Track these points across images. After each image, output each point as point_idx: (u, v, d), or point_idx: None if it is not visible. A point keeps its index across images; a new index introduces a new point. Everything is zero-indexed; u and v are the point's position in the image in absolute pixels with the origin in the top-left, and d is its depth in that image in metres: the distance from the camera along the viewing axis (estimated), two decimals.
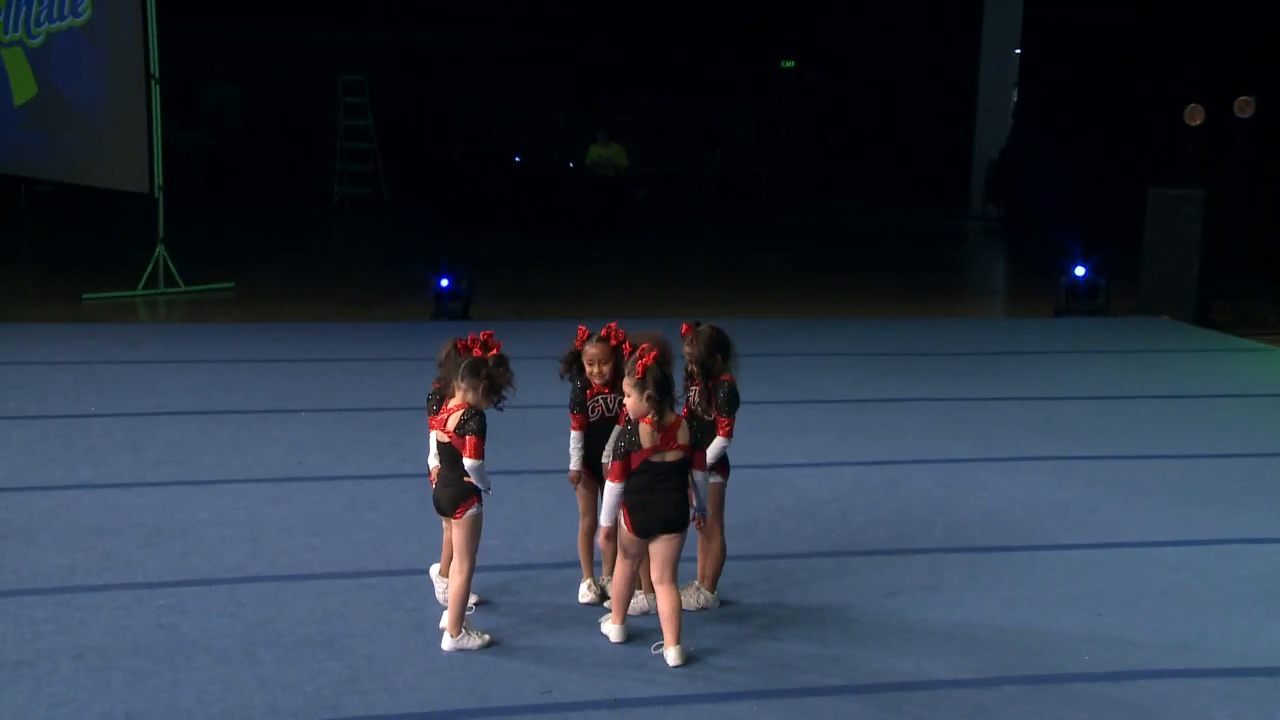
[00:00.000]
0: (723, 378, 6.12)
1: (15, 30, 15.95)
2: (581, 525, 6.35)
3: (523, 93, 25.21)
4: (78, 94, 15.43)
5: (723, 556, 6.22)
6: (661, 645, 5.70)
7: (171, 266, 14.62)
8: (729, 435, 6.08)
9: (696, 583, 6.29)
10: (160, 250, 14.57)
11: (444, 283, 13.23)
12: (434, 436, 5.92)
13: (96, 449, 8.55)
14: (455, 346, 5.91)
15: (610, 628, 5.83)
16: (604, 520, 5.74)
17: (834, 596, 6.46)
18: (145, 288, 14.53)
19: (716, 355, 6.12)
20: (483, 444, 5.67)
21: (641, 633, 5.87)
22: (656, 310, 13.71)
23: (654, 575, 5.72)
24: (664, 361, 5.73)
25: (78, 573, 6.53)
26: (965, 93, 24.87)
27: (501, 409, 5.82)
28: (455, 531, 5.82)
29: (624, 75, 25.77)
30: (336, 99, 23.79)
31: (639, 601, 6.13)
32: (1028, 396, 10.60)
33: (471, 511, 5.78)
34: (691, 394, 6.15)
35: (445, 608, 5.90)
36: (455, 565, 5.84)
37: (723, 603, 6.26)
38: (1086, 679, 5.61)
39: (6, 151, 16.53)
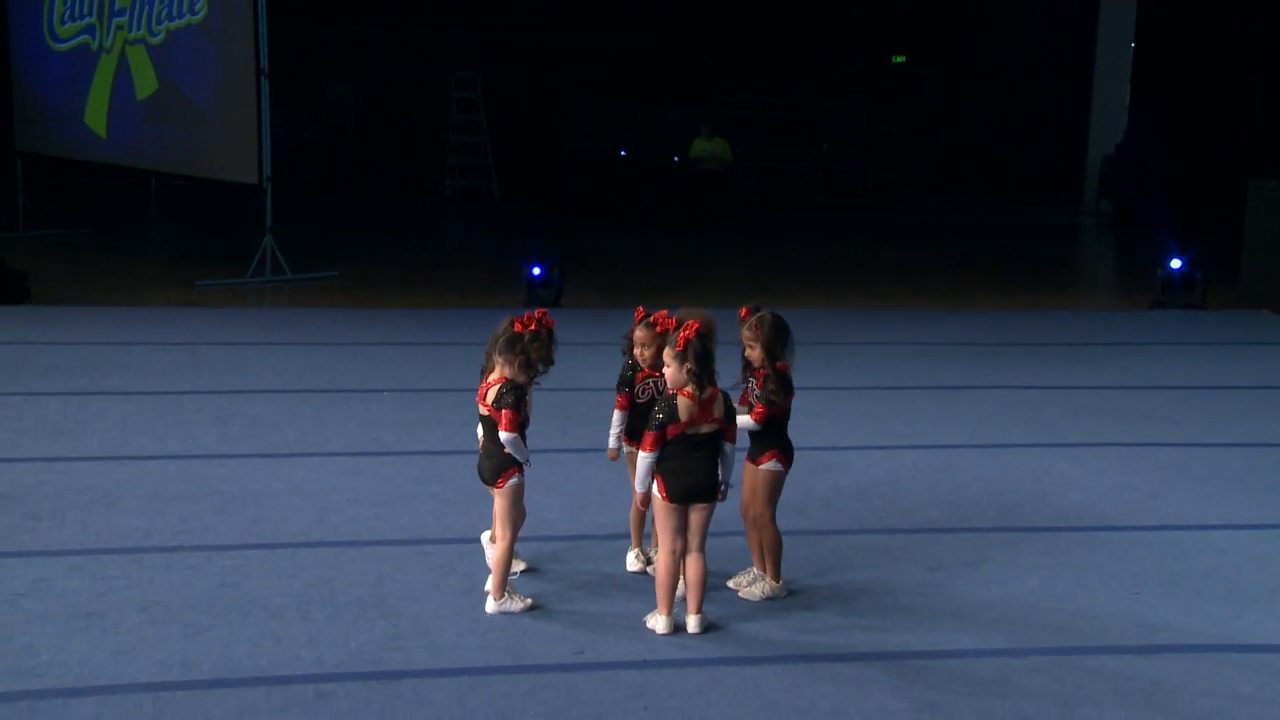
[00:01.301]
0: (779, 365, 6.21)
1: (139, 28, 16.61)
2: (635, 498, 6.52)
3: (632, 88, 25.45)
4: (194, 89, 15.99)
5: (778, 545, 6.24)
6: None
7: (279, 255, 15.10)
8: (759, 420, 6.10)
9: (755, 571, 6.39)
10: (268, 239, 15.05)
11: (536, 271, 13.50)
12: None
13: (186, 423, 8.94)
14: (510, 324, 6.11)
15: (657, 620, 5.82)
16: (638, 486, 5.90)
17: (876, 572, 6.56)
18: (254, 275, 15.03)
19: (777, 342, 6.20)
20: (518, 418, 5.86)
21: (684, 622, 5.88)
22: (748, 301, 13.80)
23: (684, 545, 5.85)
24: (706, 336, 5.85)
25: (153, 535, 6.88)
26: (1080, 88, 24.57)
27: (538, 384, 6.02)
28: (496, 500, 6.03)
29: (733, 71, 25.86)
30: (450, 95, 24.27)
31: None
32: (1106, 386, 10.55)
33: (512, 481, 5.98)
34: (751, 384, 6.23)
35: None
36: (497, 533, 6.06)
37: (790, 592, 6.28)
38: (1113, 651, 5.65)
39: (128, 145, 17.20)
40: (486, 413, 5.97)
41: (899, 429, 9.19)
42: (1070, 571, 6.56)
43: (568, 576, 6.46)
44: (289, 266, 15.13)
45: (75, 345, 11.15)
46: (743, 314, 6.26)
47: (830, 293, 15.34)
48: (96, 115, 17.38)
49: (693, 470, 5.76)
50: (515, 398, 5.86)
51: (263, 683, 5.30)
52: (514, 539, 6.07)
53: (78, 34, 17.56)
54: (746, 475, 6.25)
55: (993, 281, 16.56)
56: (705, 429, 5.77)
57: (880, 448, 8.69)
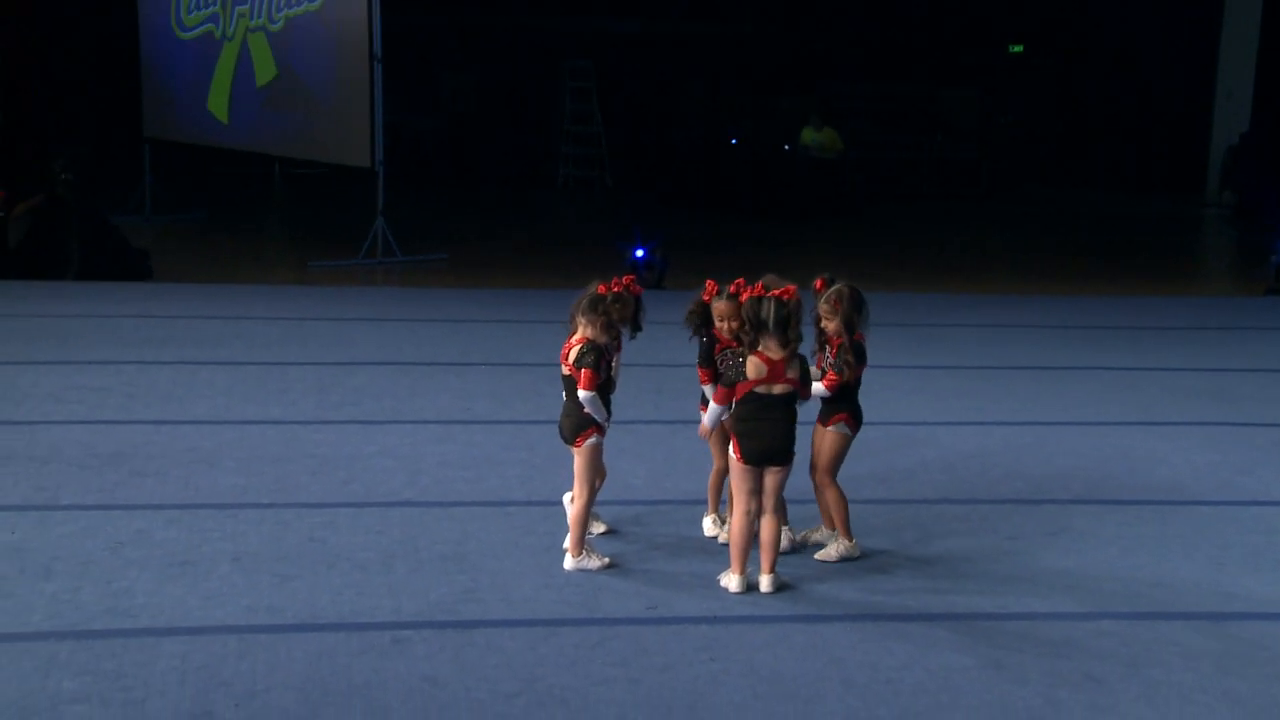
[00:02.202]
0: (855, 336, 6.27)
1: (260, 16, 17.03)
2: (714, 466, 6.60)
3: (746, 78, 25.48)
4: (311, 75, 16.36)
5: (843, 504, 6.29)
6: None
7: (390, 237, 15.40)
8: (830, 388, 6.18)
9: (825, 530, 6.44)
10: (379, 222, 15.37)
11: (639, 253, 13.61)
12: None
13: (288, 391, 9.19)
14: (595, 286, 6.23)
15: (730, 579, 5.91)
16: (707, 423, 6.01)
17: (954, 540, 6.57)
18: (365, 257, 15.36)
19: (855, 314, 6.26)
20: (597, 378, 5.98)
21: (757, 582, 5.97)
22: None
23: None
24: (775, 301, 5.87)
25: (249, 492, 7.11)
26: (1204, 77, 24.06)
27: (619, 344, 6.13)
28: (576, 459, 6.15)
29: (847, 60, 25.78)
30: (564, 83, 24.49)
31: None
32: (1209, 368, 10.39)
33: (591, 441, 6.09)
34: (826, 352, 6.29)
35: None
36: (576, 491, 6.18)
37: (864, 554, 6.33)
38: (1185, 618, 5.62)
39: (249, 130, 17.64)
40: (568, 372, 6.10)
41: (992, 407, 9.15)
42: (1151, 543, 6.51)
43: (647, 538, 6.57)
44: (400, 249, 15.42)
45: (189, 319, 11.50)
46: (818, 285, 6.33)
47: (938, 278, 15.25)
48: (219, 101, 17.86)
49: (768, 433, 5.82)
50: (595, 357, 5.97)
51: (343, 628, 5.48)
52: (592, 498, 6.18)
53: (203, 22, 18.05)
54: (815, 436, 6.31)
55: (1106, 270, 16.32)
56: (778, 389, 5.83)
57: (971, 424, 8.66)
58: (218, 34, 17.71)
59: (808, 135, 21.05)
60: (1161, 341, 11.56)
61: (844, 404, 6.22)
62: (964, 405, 9.16)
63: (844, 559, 6.26)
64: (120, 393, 9.03)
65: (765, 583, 5.89)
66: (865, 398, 6.37)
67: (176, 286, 13.38)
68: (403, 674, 5.10)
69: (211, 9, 17.83)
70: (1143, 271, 16.34)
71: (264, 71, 17.05)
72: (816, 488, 6.40)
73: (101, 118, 21.07)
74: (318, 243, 16.68)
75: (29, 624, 5.43)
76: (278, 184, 23.73)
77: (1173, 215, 22.94)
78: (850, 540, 6.30)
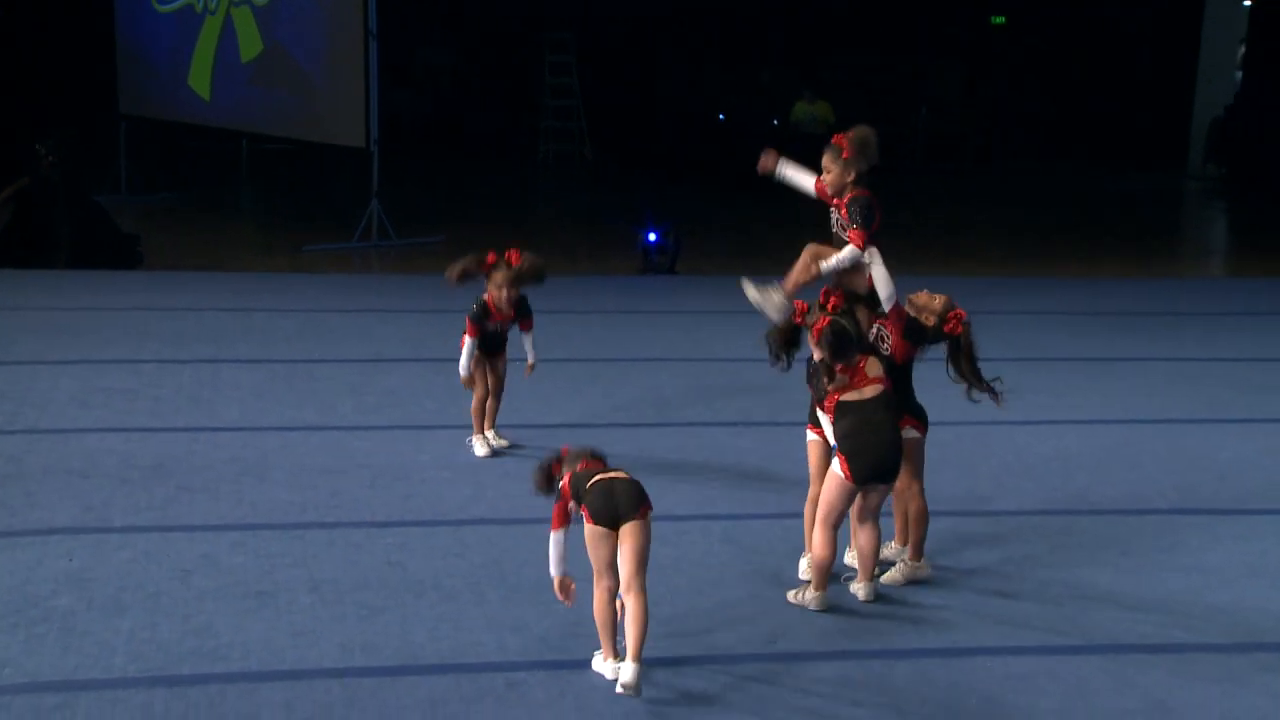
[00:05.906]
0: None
1: None
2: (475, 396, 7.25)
3: (730, 51, 25.02)
4: (300, 51, 15.81)
5: (925, 518, 5.91)
6: (853, 579, 5.81)
7: (385, 220, 14.93)
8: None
9: (894, 543, 6.09)
10: (374, 204, 14.89)
11: (651, 237, 13.23)
12: None
13: (319, 393, 8.77)
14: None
15: (809, 595, 5.70)
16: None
17: (1068, 556, 6.28)
18: (359, 240, 14.88)
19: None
20: None
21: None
22: None
23: (855, 517, 5.72)
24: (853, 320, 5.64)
25: (309, 510, 6.70)
26: (1186, 49, 23.92)
27: None
28: (637, 539, 5.14)
29: (831, 34, 25.37)
30: (544, 58, 23.96)
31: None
32: (1257, 358, 10.17)
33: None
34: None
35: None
36: (636, 584, 5.11)
37: (933, 568, 6.04)
38: None
39: (232, 108, 17.06)
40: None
41: (1051, 402, 8.85)
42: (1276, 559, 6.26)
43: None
44: (393, 231, 14.95)
45: (198, 312, 10.99)
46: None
47: (944, 258, 14.94)
48: (200, 78, 17.26)
49: (876, 445, 5.55)
50: None
51: (450, 670, 5.11)
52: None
53: None
54: None
55: (1100, 247, 16.09)
56: (870, 392, 5.58)
57: (1038, 423, 8.36)
58: (199, 7, 17.10)
59: (800, 109, 20.65)
60: (1197, 328, 11.34)
61: (900, 408, 5.72)
62: (1025, 402, 8.81)
63: (910, 581, 5.93)
64: (145, 395, 8.58)
65: (863, 591, 5.76)
66: (924, 393, 5.94)
67: (174, 275, 12.85)
68: None
69: None
70: (1149, 248, 16.15)
71: (249, 47, 16.48)
72: (896, 496, 5.93)
73: (79, 96, 20.30)
74: (305, 225, 16.15)
75: (113, 668, 5.03)
76: (244, 160, 23.06)
77: (1157, 188, 22.81)
78: (920, 560, 5.94)
